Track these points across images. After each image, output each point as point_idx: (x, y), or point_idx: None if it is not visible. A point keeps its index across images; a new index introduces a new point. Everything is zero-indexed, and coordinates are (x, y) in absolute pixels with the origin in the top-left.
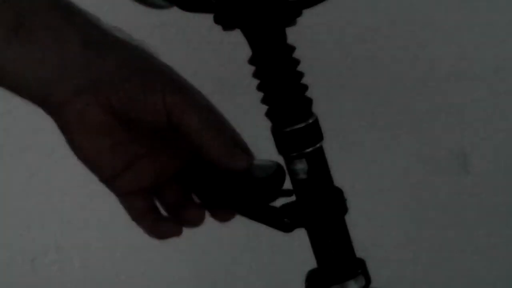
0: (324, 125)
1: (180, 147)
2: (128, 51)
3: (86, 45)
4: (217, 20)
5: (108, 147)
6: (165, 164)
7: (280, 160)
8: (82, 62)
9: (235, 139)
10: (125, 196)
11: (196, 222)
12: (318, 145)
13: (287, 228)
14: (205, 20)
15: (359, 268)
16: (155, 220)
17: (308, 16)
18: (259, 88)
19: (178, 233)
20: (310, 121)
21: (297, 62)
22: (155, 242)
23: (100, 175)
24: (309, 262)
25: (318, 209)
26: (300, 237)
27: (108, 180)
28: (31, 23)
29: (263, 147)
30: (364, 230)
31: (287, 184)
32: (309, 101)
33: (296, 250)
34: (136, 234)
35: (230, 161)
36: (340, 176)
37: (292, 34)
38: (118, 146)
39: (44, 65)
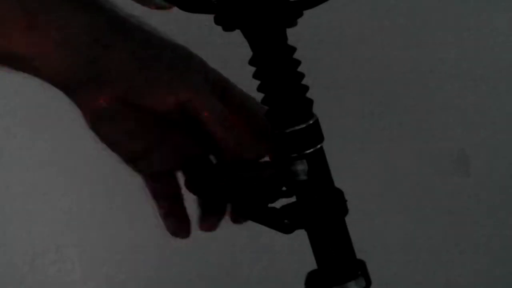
0: (324, 126)
1: (198, 133)
2: (139, 42)
3: (95, 41)
4: (217, 21)
5: (124, 133)
6: (186, 149)
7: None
8: (90, 57)
9: (257, 126)
10: (148, 177)
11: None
12: (318, 146)
13: (287, 229)
14: (206, 20)
15: (359, 270)
16: (174, 201)
17: (309, 17)
18: (260, 89)
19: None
20: (311, 122)
21: (297, 62)
22: (155, 242)
23: (121, 158)
24: (309, 263)
25: (318, 210)
26: (300, 238)
27: (129, 162)
28: (42, 21)
29: None
30: (364, 231)
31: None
32: (310, 102)
33: (296, 251)
34: (136, 234)
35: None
36: (341, 177)
37: (293, 35)
38: (134, 133)
39: (55, 59)
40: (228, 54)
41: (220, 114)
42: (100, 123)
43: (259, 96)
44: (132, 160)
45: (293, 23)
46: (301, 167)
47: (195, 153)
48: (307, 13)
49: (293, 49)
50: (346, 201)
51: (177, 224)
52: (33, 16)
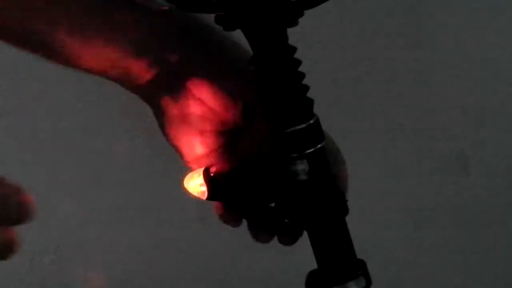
0: (325, 126)
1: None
2: (196, 38)
3: (155, 40)
4: (218, 20)
5: (188, 137)
6: (244, 156)
7: None
8: (152, 57)
9: None
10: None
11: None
12: (319, 146)
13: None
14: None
15: (359, 269)
16: None
17: (309, 17)
18: (260, 88)
19: None
20: (311, 121)
21: (298, 62)
22: (155, 242)
23: (180, 157)
24: (310, 263)
25: (318, 210)
26: (300, 238)
27: (189, 164)
28: (90, 20)
29: None
30: (364, 231)
31: None
32: (310, 102)
33: (297, 251)
34: (136, 234)
35: None
36: None
37: (293, 35)
38: (199, 137)
39: (109, 50)
40: None
41: None
42: (168, 125)
43: None
44: (193, 161)
45: (293, 23)
46: (302, 167)
47: (251, 159)
48: (307, 13)
49: (294, 49)
50: (346, 201)
51: (227, 216)
52: (78, 17)
